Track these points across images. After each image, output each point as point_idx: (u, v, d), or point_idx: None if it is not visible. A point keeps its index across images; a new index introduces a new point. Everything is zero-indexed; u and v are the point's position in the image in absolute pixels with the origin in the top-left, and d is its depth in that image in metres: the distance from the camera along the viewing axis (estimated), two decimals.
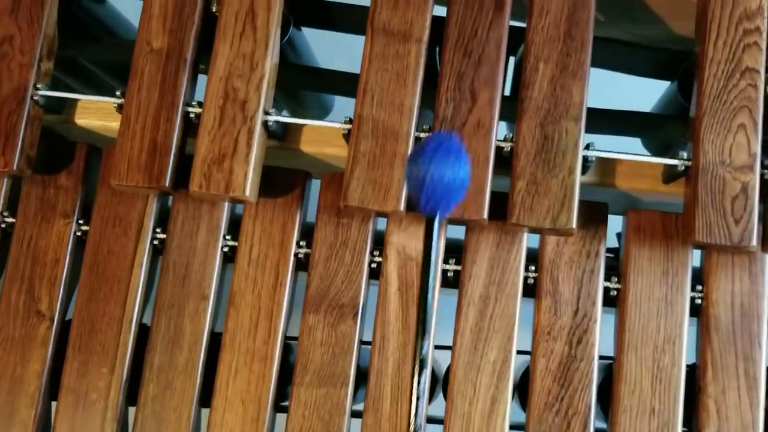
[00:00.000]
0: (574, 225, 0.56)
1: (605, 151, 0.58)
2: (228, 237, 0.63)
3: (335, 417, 0.59)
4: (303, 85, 0.75)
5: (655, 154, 0.79)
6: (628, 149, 0.62)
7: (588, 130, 0.61)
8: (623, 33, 0.72)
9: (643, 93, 0.75)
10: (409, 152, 0.46)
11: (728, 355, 0.57)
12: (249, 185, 0.59)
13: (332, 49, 0.83)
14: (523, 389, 0.61)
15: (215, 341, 0.62)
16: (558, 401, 0.58)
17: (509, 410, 0.58)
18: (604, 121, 0.64)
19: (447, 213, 0.43)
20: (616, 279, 0.59)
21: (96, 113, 0.66)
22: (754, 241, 0.54)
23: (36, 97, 0.62)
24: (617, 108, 0.67)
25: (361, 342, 0.62)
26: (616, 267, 0.61)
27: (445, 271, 0.61)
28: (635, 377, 0.57)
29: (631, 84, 0.75)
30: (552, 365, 0.58)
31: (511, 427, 0.59)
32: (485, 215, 0.57)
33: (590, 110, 0.59)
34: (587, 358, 0.58)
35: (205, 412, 0.62)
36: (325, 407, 0.59)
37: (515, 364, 0.59)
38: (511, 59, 0.66)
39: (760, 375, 0.57)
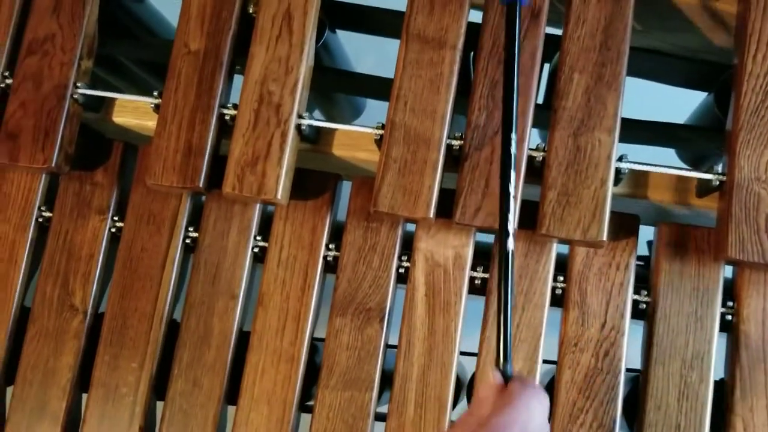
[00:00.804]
0: (605, 237, 0.56)
1: (638, 163, 0.58)
2: (259, 238, 0.64)
3: (359, 420, 0.60)
4: (336, 88, 0.75)
5: (689, 165, 0.78)
6: (662, 160, 0.62)
7: (621, 140, 0.60)
8: (660, 42, 0.71)
9: (679, 103, 0.75)
10: None
11: (758, 373, 0.56)
12: (281, 188, 0.59)
13: (363, 51, 0.83)
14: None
15: (244, 340, 0.63)
16: (583, 413, 0.57)
17: None
18: (638, 131, 0.64)
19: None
20: (645, 292, 0.59)
21: (133, 112, 0.68)
22: None
23: (75, 95, 0.63)
24: (651, 119, 0.66)
25: (388, 346, 0.62)
26: (646, 276, 0.61)
27: (473, 278, 0.61)
28: (662, 392, 0.57)
29: (666, 94, 0.75)
30: (578, 377, 0.58)
31: None
32: (516, 225, 0.57)
33: (624, 120, 0.59)
34: (613, 371, 0.58)
35: (231, 410, 0.63)
36: (349, 410, 0.60)
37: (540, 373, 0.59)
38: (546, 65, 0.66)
39: None
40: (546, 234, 0.56)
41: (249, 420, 0.61)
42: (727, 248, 0.54)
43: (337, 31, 0.74)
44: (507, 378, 0.45)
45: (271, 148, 0.60)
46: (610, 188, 0.56)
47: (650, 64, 0.66)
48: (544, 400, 0.43)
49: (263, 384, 0.61)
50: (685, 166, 0.58)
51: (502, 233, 0.49)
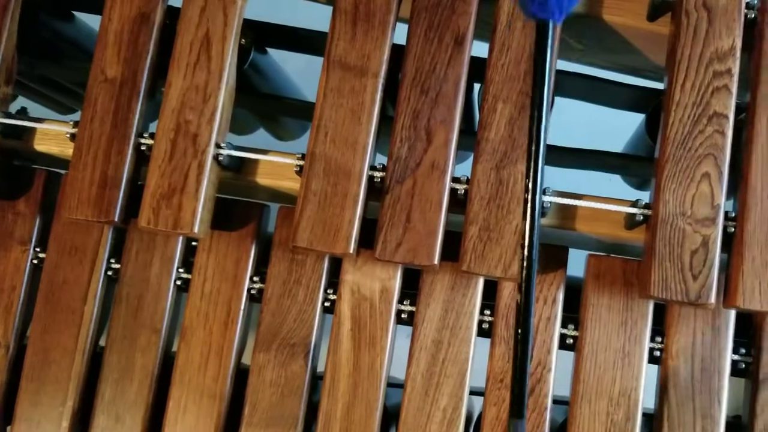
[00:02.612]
0: None
1: (562, 197, 0.56)
2: (182, 270, 0.62)
3: None
4: (265, 110, 0.73)
5: (636, 188, 0.76)
6: (600, 186, 0.60)
7: (555, 164, 0.58)
8: (601, 61, 0.69)
9: (624, 125, 0.73)
10: None
11: (686, 411, 0.55)
12: (198, 222, 0.57)
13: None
14: None
15: (167, 375, 0.61)
16: None
17: None
18: (568, 158, 0.62)
19: (562, 16, 0.38)
20: (572, 326, 0.58)
21: (55, 139, 0.66)
22: (712, 299, 0.51)
23: None
24: (597, 142, 0.64)
25: (316, 378, 0.61)
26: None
27: (399, 312, 0.60)
28: (587, 431, 0.55)
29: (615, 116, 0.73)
30: (503, 414, 0.57)
31: None
32: (436, 261, 0.55)
33: (552, 147, 0.57)
34: (539, 409, 0.57)
35: None
36: None
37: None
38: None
39: None
40: (467, 271, 0.55)
41: None
42: (650, 286, 0.52)
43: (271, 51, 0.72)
44: None
45: (188, 180, 0.58)
46: None
47: (587, 88, 0.64)
48: None
49: (186, 420, 0.60)
50: (609, 201, 0.56)
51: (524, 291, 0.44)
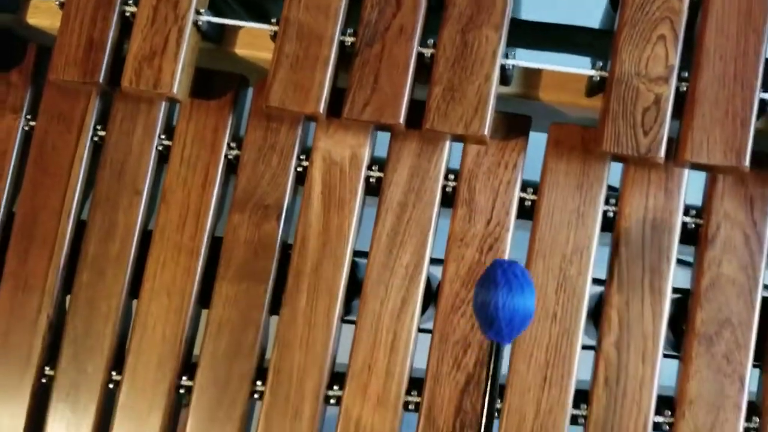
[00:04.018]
0: (486, 132, 0.57)
1: (525, 62, 0.58)
2: (163, 137, 0.65)
3: (253, 311, 0.62)
4: None
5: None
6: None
7: (519, 45, 0.60)
8: None
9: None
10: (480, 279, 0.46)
11: (635, 268, 0.57)
12: (177, 83, 0.60)
13: None
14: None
15: (148, 237, 0.65)
16: (464, 304, 0.59)
17: (418, 312, 0.60)
18: (535, 35, 0.64)
19: (510, 340, 0.45)
20: (531, 190, 0.60)
21: (46, 12, 0.68)
22: (662, 153, 0.53)
23: None
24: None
25: (286, 245, 0.64)
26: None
27: (368, 178, 0.62)
28: (541, 284, 0.58)
29: None
30: (462, 270, 0.60)
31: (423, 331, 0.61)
32: (401, 120, 0.58)
33: (520, 22, 0.59)
34: None
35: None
36: (245, 301, 0.62)
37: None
38: None
39: (666, 288, 0.57)
40: (430, 129, 0.57)
41: (149, 311, 0.63)
42: (603, 142, 0.54)
43: None
44: None
45: (168, 44, 0.60)
46: (494, 84, 0.57)
47: None
48: None
49: (164, 277, 0.63)
50: (575, 66, 0.58)
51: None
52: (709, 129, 0.53)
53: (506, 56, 0.58)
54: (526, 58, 0.60)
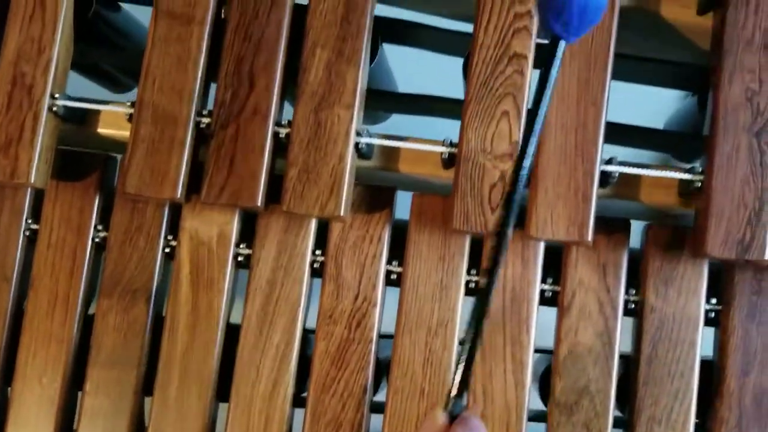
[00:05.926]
0: (342, 213, 0.57)
1: (379, 140, 0.59)
2: (30, 221, 0.64)
3: (125, 397, 0.61)
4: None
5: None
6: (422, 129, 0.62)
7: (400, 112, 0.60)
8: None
9: None
10: None
11: (497, 338, 0.58)
12: (34, 171, 0.59)
13: None
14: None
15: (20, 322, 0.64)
16: (335, 383, 0.59)
17: (291, 392, 0.60)
18: (409, 105, 0.64)
19: (576, 36, 0.38)
20: (397, 262, 0.60)
21: None
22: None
23: None
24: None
25: (160, 322, 0.63)
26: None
27: (236, 255, 0.62)
28: (408, 359, 0.59)
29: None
30: (332, 348, 0.60)
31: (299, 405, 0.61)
32: (258, 202, 0.58)
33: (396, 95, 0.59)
34: (365, 341, 0.59)
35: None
36: (116, 387, 0.61)
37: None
38: None
39: (527, 358, 0.58)
40: (288, 211, 0.57)
41: (22, 399, 0.62)
42: (453, 220, 0.55)
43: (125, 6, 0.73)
44: (454, 417, 0.40)
45: (24, 131, 0.59)
46: (349, 164, 0.57)
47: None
48: None
49: (36, 364, 0.62)
50: (425, 142, 0.58)
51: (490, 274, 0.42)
52: (553, 204, 0.54)
53: (359, 134, 0.58)
54: (400, 124, 0.60)
